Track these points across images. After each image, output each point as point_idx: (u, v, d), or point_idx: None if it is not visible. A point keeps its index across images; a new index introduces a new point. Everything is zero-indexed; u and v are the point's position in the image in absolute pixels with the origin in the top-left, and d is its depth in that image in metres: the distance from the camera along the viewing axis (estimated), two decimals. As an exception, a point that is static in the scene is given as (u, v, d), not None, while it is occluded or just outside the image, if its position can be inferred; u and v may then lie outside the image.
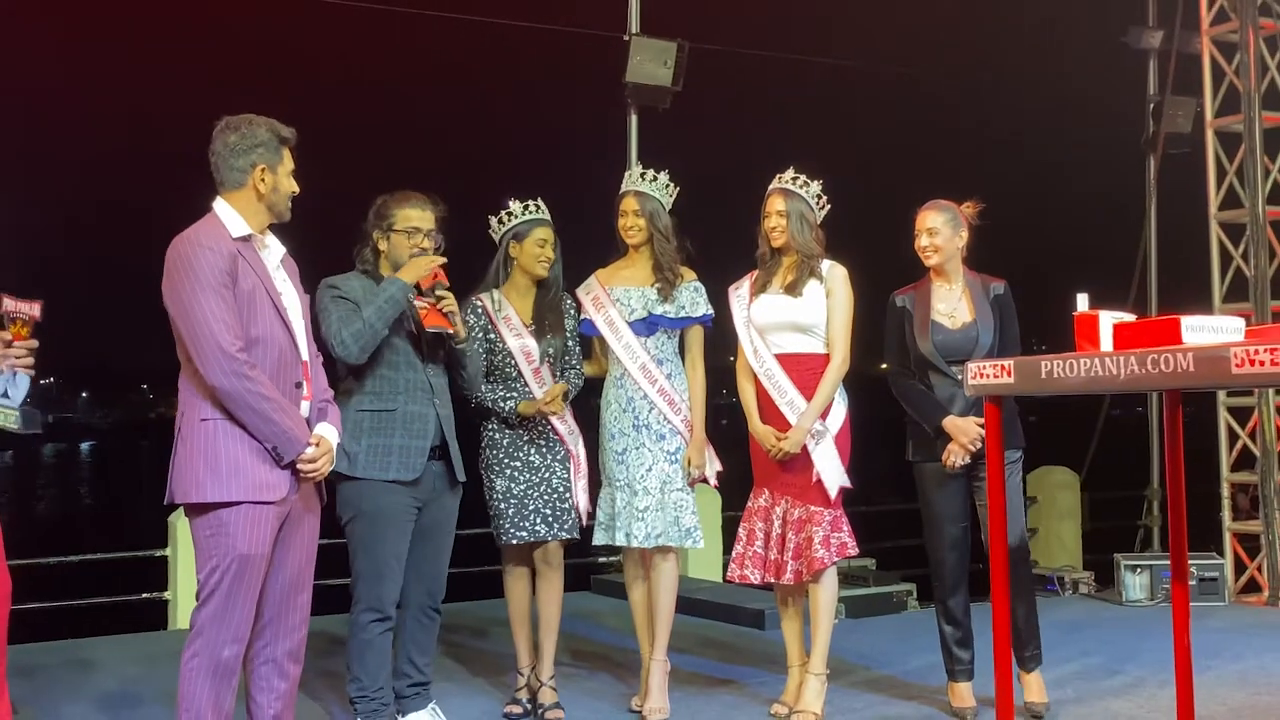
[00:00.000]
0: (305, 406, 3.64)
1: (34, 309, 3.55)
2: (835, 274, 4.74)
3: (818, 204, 4.77)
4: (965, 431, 4.59)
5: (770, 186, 4.78)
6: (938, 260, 4.76)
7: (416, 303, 4.27)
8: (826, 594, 4.72)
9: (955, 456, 4.63)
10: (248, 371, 3.42)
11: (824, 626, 4.73)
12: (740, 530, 4.83)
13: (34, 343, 3.56)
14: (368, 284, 4.30)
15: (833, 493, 4.65)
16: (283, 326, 3.57)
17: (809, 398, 4.64)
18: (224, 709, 3.50)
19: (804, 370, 4.68)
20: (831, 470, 4.65)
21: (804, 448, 4.63)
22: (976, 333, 4.69)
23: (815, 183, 4.77)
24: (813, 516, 4.65)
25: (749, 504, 4.83)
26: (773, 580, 4.75)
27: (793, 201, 4.73)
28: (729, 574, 4.87)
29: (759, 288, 4.79)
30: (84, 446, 78.86)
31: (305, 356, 3.66)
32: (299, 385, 3.62)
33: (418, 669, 4.46)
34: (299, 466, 3.53)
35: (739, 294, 4.85)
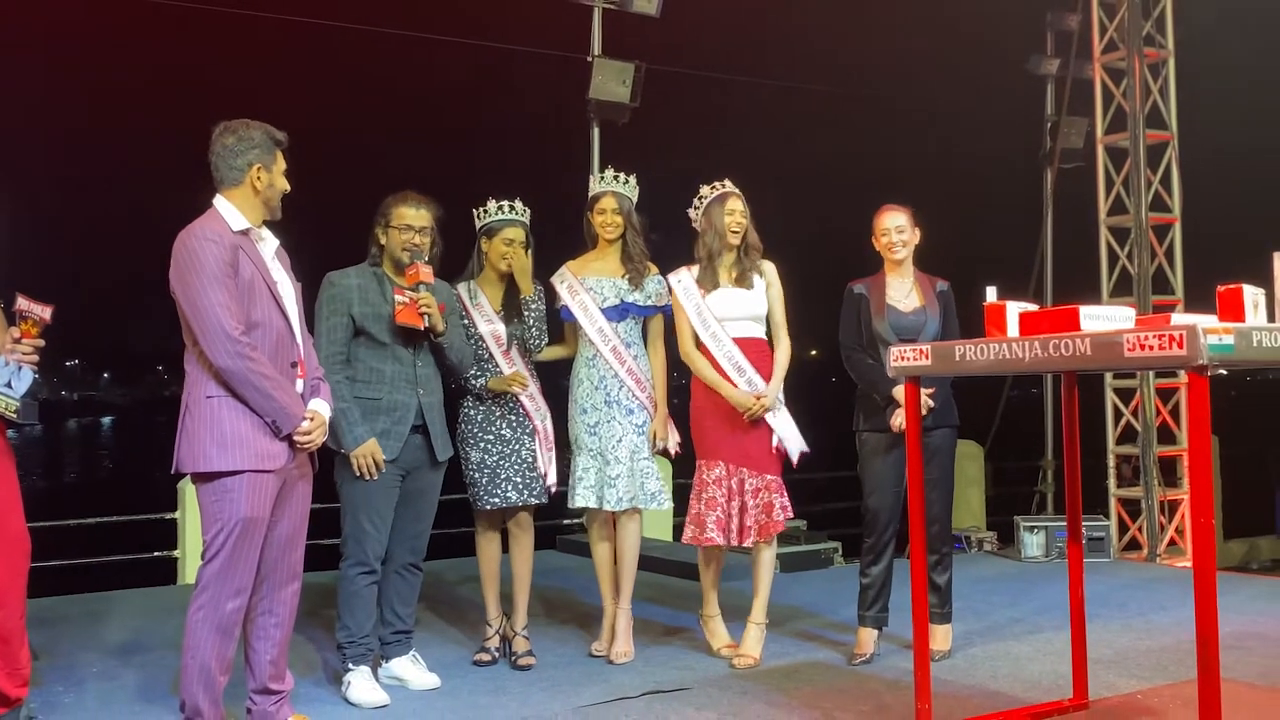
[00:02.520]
0: (300, 384, 3.58)
1: (45, 312, 3.46)
2: (771, 269, 4.76)
3: None
4: None
5: (726, 190, 4.71)
6: (905, 254, 4.71)
7: (397, 297, 4.19)
8: (772, 553, 4.70)
9: (901, 419, 4.56)
10: (249, 353, 3.36)
11: (766, 581, 4.70)
12: (700, 498, 4.68)
13: (40, 342, 3.48)
14: (366, 281, 4.27)
15: (795, 456, 4.65)
16: (279, 312, 3.51)
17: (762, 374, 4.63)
18: (226, 657, 3.45)
19: (753, 352, 4.67)
20: (793, 437, 4.65)
21: (762, 420, 4.60)
22: (926, 318, 4.66)
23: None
24: (769, 485, 4.61)
25: (704, 475, 4.68)
26: (736, 543, 4.66)
27: (746, 205, 4.71)
28: (688, 536, 4.71)
29: (711, 282, 4.70)
30: (105, 421, 77.97)
31: (299, 339, 3.60)
32: (294, 365, 3.56)
33: (400, 618, 4.40)
34: (295, 438, 3.48)
35: (681, 282, 4.72)
